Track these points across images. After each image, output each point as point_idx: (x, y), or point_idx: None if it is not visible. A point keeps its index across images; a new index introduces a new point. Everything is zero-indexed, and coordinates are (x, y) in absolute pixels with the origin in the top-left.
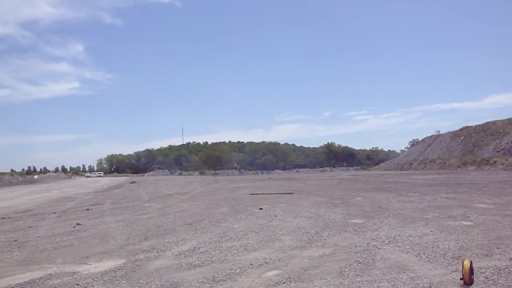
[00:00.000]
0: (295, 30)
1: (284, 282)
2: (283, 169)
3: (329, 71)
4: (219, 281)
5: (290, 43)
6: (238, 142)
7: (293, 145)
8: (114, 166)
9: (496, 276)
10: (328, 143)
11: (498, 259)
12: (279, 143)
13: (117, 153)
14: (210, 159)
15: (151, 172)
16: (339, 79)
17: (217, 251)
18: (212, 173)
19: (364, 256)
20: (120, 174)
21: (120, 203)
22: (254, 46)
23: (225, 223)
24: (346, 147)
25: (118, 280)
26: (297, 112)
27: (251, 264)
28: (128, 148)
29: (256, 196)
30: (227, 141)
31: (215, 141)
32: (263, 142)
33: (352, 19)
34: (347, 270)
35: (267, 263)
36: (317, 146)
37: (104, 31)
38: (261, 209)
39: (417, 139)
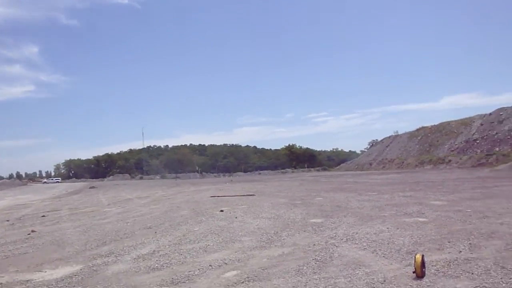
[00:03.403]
0: (256, 34)
1: (243, 282)
2: (245, 171)
3: (290, 73)
4: (177, 283)
5: (251, 47)
6: (200, 145)
7: (255, 147)
8: (73, 172)
9: (446, 268)
10: (289, 144)
11: (449, 252)
12: (240, 146)
13: (75, 158)
14: (171, 162)
15: (111, 176)
16: (300, 81)
17: (177, 254)
18: (173, 177)
19: (322, 254)
20: (79, 180)
21: (78, 209)
22: (215, 50)
23: (185, 225)
24: (307, 148)
25: (74, 286)
26: (258, 115)
27: (210, 265)
28: (86, 152)
29: (217, 198)
30: (188, 144)
31: (176, 145)
32: (225, 145)
33: (311, 21)
34: (305, 268)
35: (226, 264)
36: (279, 148)
37: (60, 33)
38: (221, 211)
39: (376, 140)
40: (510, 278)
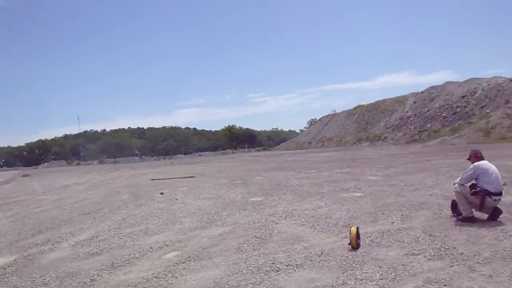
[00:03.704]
0: (193, 12)
1: (184, 262)
2: (185, 153)
3: (228, 54)
4: (118, 267)
5: (189, 26)
6: (138, 128)
7: (194, 129)
8: (3, 160)
9: (379, 239)
10: (229, 125)
11: (382, 224)
12: (180, 128)
13: (6, 146)
14: (109, 147)
15: (46, 164)
16: (238, 62)
17: (116, 238)
18: (112, 162)
19: (262, 232)
20: (11, 168)
21: (10, 198)
22: (152, 30)
23: (125, 209)
24: (247, 129)
25: (8, 277)
26: (198, 96)
27: (151, 247)
28: (18, 139)
29: (157, 181)
30: (126, 128)
31: (114, 128)
32: (164, 128)
33: (247, 1)
34: (245, 245)
35: (167, 245)
36: (219, 129)
37: None
38: (162, 193)
39: (315, 119)
40: (436, 244)
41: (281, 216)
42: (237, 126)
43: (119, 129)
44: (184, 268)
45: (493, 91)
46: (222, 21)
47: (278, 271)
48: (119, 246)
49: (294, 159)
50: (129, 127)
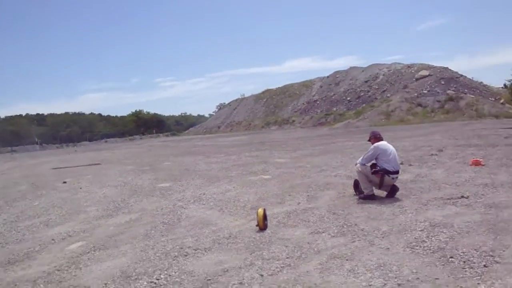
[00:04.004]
0: None
1: (89, 252)
2: (90, 140)
3: (134, 36)
4: (15, 262)
5: (94, 6)
6: (38, 114)
7: (100, 114)
8: None
9: (286, 219)
10: (136, 110)
11: (289, 205)
12: (84, 114)
13: None
14: (5, 135)
15: None
16: (145, 45)
17: (14, 232)
18: (8, 151)
19: (170, 217)
20: None
21: None
22: (50, 8)
23: (23, 201)
24: (155, 114)
25: None
26: (102, 80)
27: (52, 239)
28: None
29: (60, 170)
30: (24, 114)
31: (10, 115)
32: (67, 113)
33: None
34: (153, 232)
35: (70, 236)
36: (125, 114)
37: None
38: (65, 182)
39: (224, 103)
40: (340, 222)
41: (189, 201)
42: (145, 111)
43: (16, 115)
44: (89, 258)
45: (393, 77)
46: (126, 2)
47: (186, 255)
48: (16, 240)
49: (203, 143)
50: (27, 114)
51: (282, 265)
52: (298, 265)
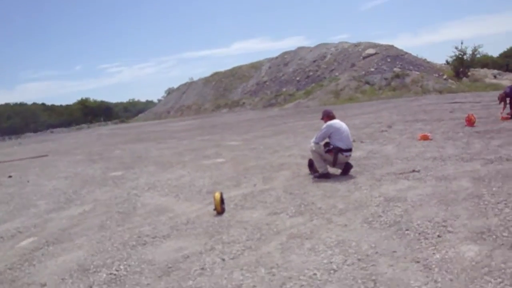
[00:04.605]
0: None
1: (41, 248)
2: (35, 131)
3: (72, 21)
4: None
5: None
6: None
7: (43, 104)
8: None
9: (243, 202)
10: (82, 99)
11: (245, 187)
12: (26, 104)
13: None
14: None
15: None
16: (87, 29)
17: None
18: None
19: (125, 206)
20: None
21: None
22: None
23: None
24: (102, 101)
25: None
26: (42, 68)
27: (1, 237)
28: None
29: (3, 164)
30: None
31: None
32: (7, 104)
33: None
34: (108, 222)
35: (20, 232)
36: (71, 103)
37: None
38: (10, 177)
39: (173, 88)
40: (297, 202)
41: (143, 189)
42: (91, 99)
43: None
44: (42, 254)
45: (340, 56)
46: None
47: (144, 244)
48: None
49: (153, 129)
50: None
51: (243, 248)
52: (258, 247)
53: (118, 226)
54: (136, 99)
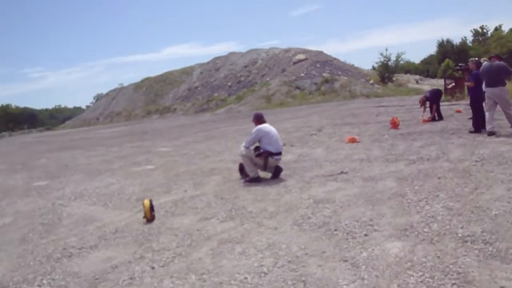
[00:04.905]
0: None
1: None
2: None
3: None
4: None
5: None
6: None
7: None
8: None
9: (174, 208)
10: (2, 105)
11: (176, 193)
12: None
13: None
14: None
15: None
16: (7, 32)
17: None
18: None
19: (50, 217)
20: None
21: None
22: None
23: None
24: (25, 108)
25: None
26: None
27: None
28: None
29: None
30: None
31: None
32: None
33: None
34: (31, 235)
35: None
36: None
37: None
38: None
39: (102, 93)
40: (228, 206)
41: (70, 198)
42: (13, 105)
43: None
44: None
45: (271, 61)
46: None
47: (70, 256)
48: None
49: (81, 136)
50: None
51: (173, 255)
52: (189, 253)
53: (42, 238)
54: (63, 106)
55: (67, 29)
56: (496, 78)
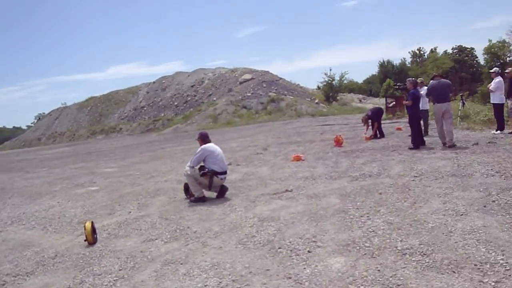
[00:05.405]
0: None
1: None
2: None
3: None
4: None
5: None
6: None
7: None
8: None
9: (117, 230)
10: None
11: (120, 215)
12: None
13: None
14: None
15: None
16: None
17: None
18: None
19: None
20: None
21: None
22: None
23: None
24: None
25: None
26: None
27: None
28: None
29: None
30: None
31: None
32: None
33: None
34: None
35: None
36: None
37: None
38: None
39: (44, 113)
40: (172, 227)
41: (6, 223)
42: None
43: None
44: None
45: (218, 81)
46: None
47: (4, 285)
48: None
49: (21, 158)
50: None
51: (115, 278)
52: (132, 276)
53: None
54: (1, 126)
55: (4, 46)
56: (444, 94)
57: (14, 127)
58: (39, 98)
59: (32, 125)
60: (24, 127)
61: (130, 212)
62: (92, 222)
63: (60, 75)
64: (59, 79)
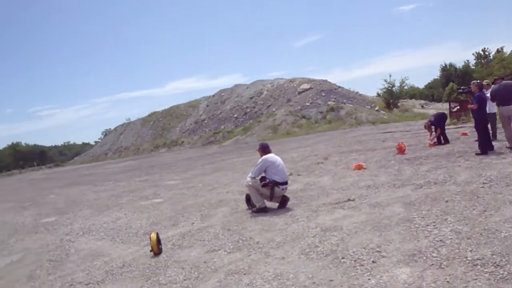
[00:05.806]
0: None
1: None
2: None
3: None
4: None
5: None
6: None
7: None
8: None
9: (181, 241)
10: (12, 143)
11: (183, 226)
12: None
13: None
14: None
15: None
16: (16, 71)
17: None
18: None
19: (57, 253)
20: None
21: None
22: None
23: None
24: (35, 145)
25: None
26: None
27: None
28: None
29: None
30: None
31: None
32: None
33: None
34: (38, 271)
35: None
36: (1, 148)
37: None
38: None
39: (110, 129)
40: (235, 237)
41: (78, 234)
42: (23, 143)
43: None
44: None
45: (276, 91)
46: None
47: None
48: None
49: (90, 172)
50: None
51: None
52: (196, 286)
53: (49, 275)
54: (71, 142)
55: (73, 67)
56: (509, 96)
57: (83, 143)
58: (104, 114)
59: (99, 140)
60: (92, 142)
61: (193, 223)
62: (157, 233)
63: (123, 92)
64: (122, 96)
